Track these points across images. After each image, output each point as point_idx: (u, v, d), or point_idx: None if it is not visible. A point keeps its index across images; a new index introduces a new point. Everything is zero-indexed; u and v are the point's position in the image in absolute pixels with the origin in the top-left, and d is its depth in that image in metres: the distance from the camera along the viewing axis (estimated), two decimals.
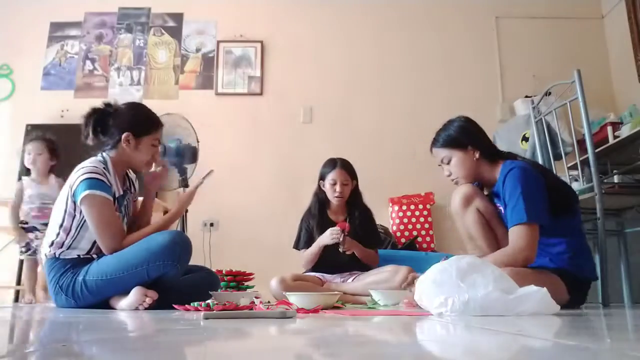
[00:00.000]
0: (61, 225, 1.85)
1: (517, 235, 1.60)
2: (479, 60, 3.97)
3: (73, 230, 1.85)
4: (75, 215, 1.84)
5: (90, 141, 1.94)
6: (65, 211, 1.85)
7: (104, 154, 1.94)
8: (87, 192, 1.79)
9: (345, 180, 2.56)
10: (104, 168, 1.87)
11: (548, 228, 1.65)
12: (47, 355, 0.64)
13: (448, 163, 1.85)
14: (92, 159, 1.91)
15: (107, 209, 1.83)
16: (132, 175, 2.11)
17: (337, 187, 2.54)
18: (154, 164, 2.05)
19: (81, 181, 1.80)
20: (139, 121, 1.97)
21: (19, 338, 0.92)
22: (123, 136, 1.91)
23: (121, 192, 1.96)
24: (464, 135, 1.83)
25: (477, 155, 1.80)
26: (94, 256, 1.87)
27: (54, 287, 1.83)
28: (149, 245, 1.79)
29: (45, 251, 1.87)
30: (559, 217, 1.69)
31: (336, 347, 0.72)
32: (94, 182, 1.80)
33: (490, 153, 1.84)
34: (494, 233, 1.76)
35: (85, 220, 1.84)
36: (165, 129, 2.32)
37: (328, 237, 2.43)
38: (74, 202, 1.83)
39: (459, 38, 4.01)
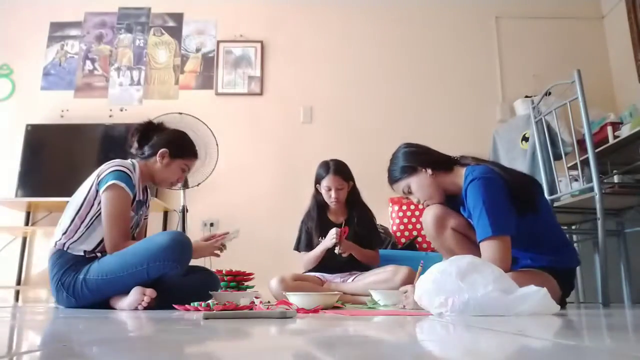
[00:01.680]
0: (78, 212, 1.89)
1: (486, 250, 1.58)
2: (479, 60, 3.97)
3: (87, 219, 1.88)
4: (93, 205, 1.89)
5: (133, 150, 2.06)
6: (85, 199, 1.89)
7: (134, 160, 2.03)
8: (114, 181, 1.85)
9: (339, 185, 2.55)
10: (133, 169, 1.96)
11: (517, 235, 1.62)
12: (47, 355, 0.64)
13: (410, 192, 1.86)
14: (122, 160, 1.99)
15: (125, 203, 1.88)
16: (149, 195, 2.17)
17: (332, 193, 2.55)
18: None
19: (111, 171, 1.87)
20: (179, 144, 2.08)
21: (19, 338, 0.92)
22: (160, 151, 2.01)
23: (141, 198, 2.03)
24: (410, 160, 1.84)
25: (429, 172, 1.81)
26: (98, 254, 1.88)
27: (55, 283, 1.84)
28: (149, 245, 1.80)
29: (56, 239, 1.90)
30: (524, 217, 1.66)
31: (336, 347, 0.72)
32: (123, 175, 1.88)
33: (442, 163, 1.84)
34: (475, 244, 1.75)
35: (99, 214, 1.86)
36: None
37: (329, 239, 2.43)
38: (97, 191, 1.88)
39: (459, 38, 4.01)
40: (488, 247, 1.58)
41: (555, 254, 1.71)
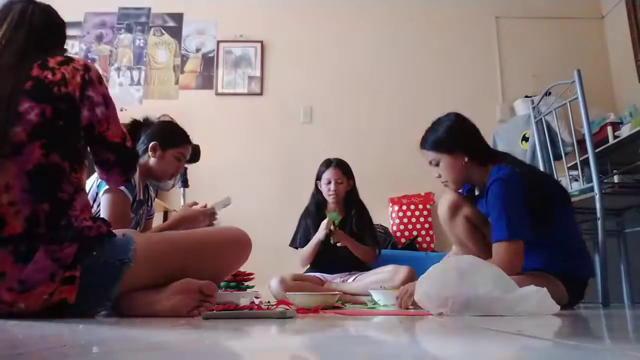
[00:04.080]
0: None
1: (498, 252, 1.58)
2: (479, 60, 3.96)
3: None
4: (92, 206, 1.88)
5: None
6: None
7: None
8: None
9: (339, 178, 2.58)
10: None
11: (533, 239, 1.62)
12: (47, 355, 0.64)
13: (437, 165, 1.81)
14: None
15: (124, 206, 1.86)
16: (152, 193, 2.17)
17: (332, 186, 2.57)
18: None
19: None
20: (167, 134, 2.04)
21: (19, 338, 0.92)
22: (150, 145, 1.99)
23: (141, 197, 2.02)
24: (452, 137, 1.78)
25: (465, 159, 1.76)
26: None
27: None
28: None
29: None
30: (543, 225, 1.66)
31: (336, 347, 0.72)
32: None
33: (481, 155, 1.79)
34: (483, 236, 1.76)
35: (98, 214, 1.87)
36: None
37: (321, 231, 2.45)
38: (96, 193, 1.87)
39: (459, 38, 4.01)
40: (500, 250, 1.58)
41: (568, 260, 1.70)
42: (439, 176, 1.82)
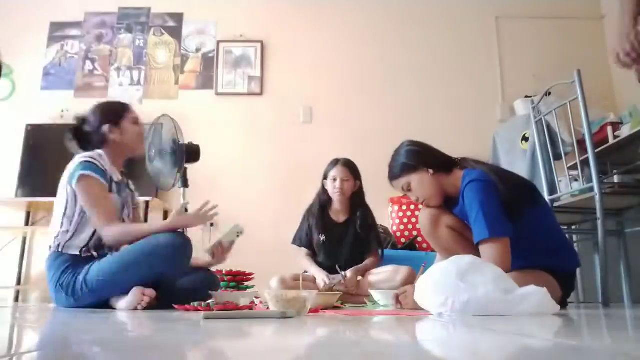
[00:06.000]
0: (64, 214, 1.91)
1: (485, 252, 1.59)
2: (479, 60, 3.97)
3: (76, 216, 1.90)
4: (76, 203, 1.92)
5: (83, 153, 2.03)
6: (67, 201, 1.92)
7: (98, 150, 2.03)
8: (82, 172, 1.88)
9: (345, 176, 2.58)
10: (99, 156, 1.97)
11: (513, 236, 1.63)
12: (47, 355, 0.64)
13: (409, 189, 1.87)
14: (88, 152, 2.01)
15: (100, 189, 1.91)
16: (131, 185, 2.17)
17: (337, 183, 2.57)
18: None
19: (78, 164, 1.90)
20: (109, 112, 2.08)
21: (19, 338, 0.92)
22: (104, 129, 2.01)
23: (120, 178, 2.04)
24: (412, 158, 1.86)
25: (430, 172, 1.83)
26: (94, 254, 1.88)
27: (54, 285, 1.84)
28: (149, 245, 1.80)
29: (50, 243, 1.92)
30: (517, 221, 1.66)
31: (336, 347, 0.72)
32: (89, 165, 1.91)
33: (443, 164, 1.85)
34: (469, 241, 1.76)
35: (82, 215, 1.88)
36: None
37: (321, 279, 2.42)
38: (73, 190, 1.90)
39: (459, 38, 4.01)
40: (487, 249, 1.59)
41: (552, 256, 1.71)
42: (417, 199, 1.89)
